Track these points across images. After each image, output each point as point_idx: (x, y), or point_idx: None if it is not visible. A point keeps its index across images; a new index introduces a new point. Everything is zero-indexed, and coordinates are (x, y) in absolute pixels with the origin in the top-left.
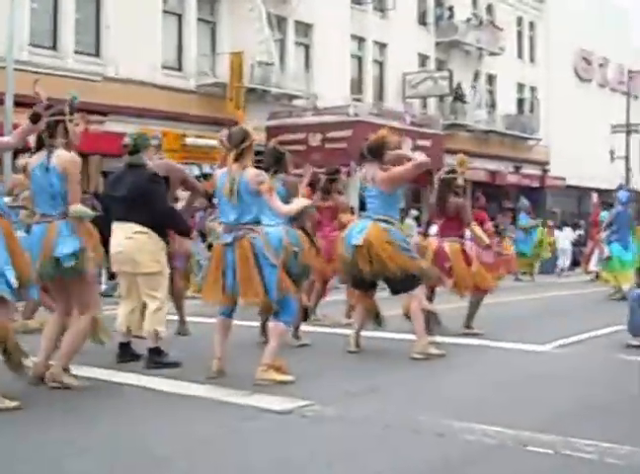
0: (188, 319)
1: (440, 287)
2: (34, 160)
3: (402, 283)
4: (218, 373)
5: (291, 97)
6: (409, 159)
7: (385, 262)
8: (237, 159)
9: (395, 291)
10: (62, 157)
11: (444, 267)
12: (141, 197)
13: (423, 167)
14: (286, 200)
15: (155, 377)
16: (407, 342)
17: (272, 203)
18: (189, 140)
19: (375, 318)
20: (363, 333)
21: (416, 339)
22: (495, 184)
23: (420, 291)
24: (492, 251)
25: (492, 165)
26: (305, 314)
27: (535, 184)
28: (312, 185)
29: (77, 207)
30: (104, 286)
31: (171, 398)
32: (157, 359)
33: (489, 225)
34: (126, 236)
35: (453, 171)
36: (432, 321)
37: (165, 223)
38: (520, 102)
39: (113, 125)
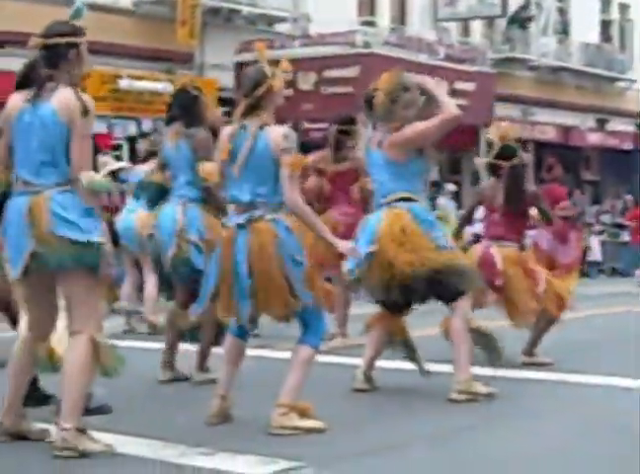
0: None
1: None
2: (16, 102)
3: (435, 289)
4: (220, 418)
5: (271, 19)
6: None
7: (408, 262)
8: (248, 111)
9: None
10: (67, 97)
11: (493, 284)
12: None
13: (454, 123)
14: (192, 164)
15: None
16: (442, 376)
17: (285, 184)
18: (123, 83)
19: (405, 345)
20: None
21: (455, 371)
22: (569, 145)
23: (465, 304)
24: (571, 246)
25: (564, 118)
26: (219, 336)
27: (628, 145)
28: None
29: (93, 177)
30: None
31: (99, 460)
32: None
33: (567, 204)
34: None
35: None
36: (485, 347)
37: None
38: (606, 25)
39: (9, 62)
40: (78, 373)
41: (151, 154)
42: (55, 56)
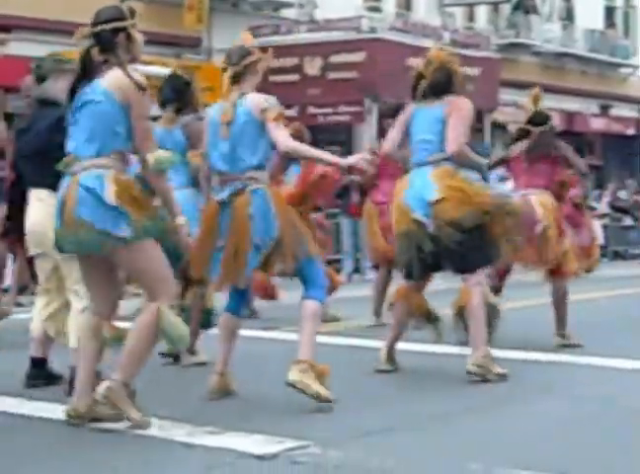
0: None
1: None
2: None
3: (473, 256)
4: (220, 393)
5: (278, 5)
6: None
7: (474, 204)
8: (236, 80)
9: (459, 269)
10: (119, 78)
11: (531, 234)
12: (56, 151)
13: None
14: (184, 151)
15: None
16: (453, 358)
17: (274, 133)
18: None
19: (429, 319)
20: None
21: (473, 348)
22: (573, 130)
23: (483, 277)
24: (585, 231)
25: (568, 104)
26: (208, 318)
27: (631, 130)
28: None
29: (159, 155)
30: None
31: (107, 438)
32: None
33: (579, 193)
34: (45, 207)
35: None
36: (493, 321)
37: None
38: (610, 12)
39: (18, 47)
40: (138, 337)
41: None
42: (104, 43)
